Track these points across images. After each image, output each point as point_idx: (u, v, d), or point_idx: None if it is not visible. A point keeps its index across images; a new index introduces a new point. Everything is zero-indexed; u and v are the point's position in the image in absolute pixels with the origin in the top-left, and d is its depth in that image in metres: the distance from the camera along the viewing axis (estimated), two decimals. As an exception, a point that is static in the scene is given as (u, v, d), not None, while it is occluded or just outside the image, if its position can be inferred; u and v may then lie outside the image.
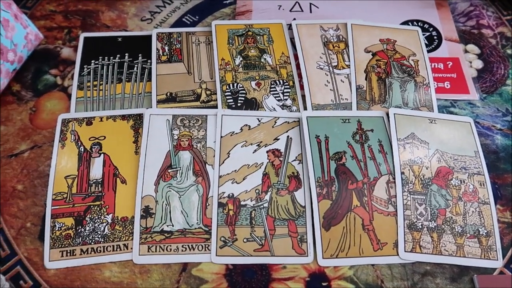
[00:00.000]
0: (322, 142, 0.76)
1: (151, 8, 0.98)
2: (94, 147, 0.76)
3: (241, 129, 0.78)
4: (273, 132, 0.78)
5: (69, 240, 0.69)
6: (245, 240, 0.69)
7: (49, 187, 0.72)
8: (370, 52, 0.88)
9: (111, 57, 0.87)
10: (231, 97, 0.82)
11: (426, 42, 0.92)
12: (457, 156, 0.76)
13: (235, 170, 0.74)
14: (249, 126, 0.78)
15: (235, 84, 0.83)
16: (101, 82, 0.84)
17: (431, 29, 0.95)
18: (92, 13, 0.96)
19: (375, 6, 0.98)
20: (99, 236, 0.69)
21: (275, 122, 0.79)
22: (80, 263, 0.67)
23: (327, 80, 0.84)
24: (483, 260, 0.69)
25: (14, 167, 0.76)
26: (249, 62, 0.86)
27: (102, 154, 0.75)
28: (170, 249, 0.68)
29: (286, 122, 0.79)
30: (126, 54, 0.88)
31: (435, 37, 0.94)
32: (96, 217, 0.70)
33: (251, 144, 0.77)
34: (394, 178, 0.73)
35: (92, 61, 0.87)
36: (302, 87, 0.83)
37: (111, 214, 0.71)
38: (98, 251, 0.68)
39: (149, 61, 0.87)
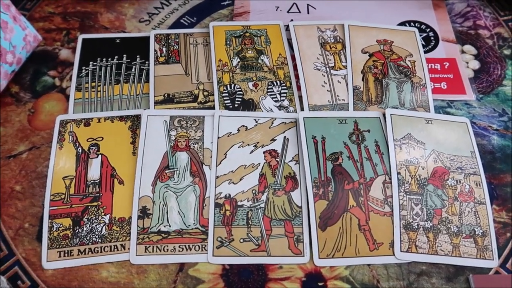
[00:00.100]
0: (319, 142, 0.76)
1: (149, 10, 0.98)
2: (92, 148, 0.76)
3: (238, 129, 0.78)
4: (270, 132, 0.79)
5: (67, 241, 0.69)
6: (241, 240, 0.69)
7: (47, 188, 0.73)
8: (367, 53, 0.88)
9: (109, 59, 0.88)
10: (228, 98, 0.82)
11: (423, 43, 0.92)
12: (453, 157, 0.77)
13: (232, 171, 0.74)
14: (246, 126, 0.79)
15: (233, 85, 0.84)
16: (99, 83, 0.85)
17: (428, 29, 0.95)
18: (90, 15, 0.97)
19: (372, 7, 0.98)
20: (97, 236, 0.69)
21: (272, 123, 0.80)
22: (77, 263, 0.68)
23: (324, 81, 0.85)
24: (479, 260, 0.69)
25: (13, 168, 0.76)
26: (246, 63, 0.87)
27: (100, 155, 0.76)
28: (167, 250, 0.69)
29: (283, 123, 0.80)
30: (124, 55, 0.88)
31: (432, 38, 0.94)
32: (94, 217, 0.71)
33: (248, 144, 0.77)
34: (390, 178, 0.74)
35: (91, 63, 0.87)
36: (299, 88, 0.84)
37: (109, 215, 0.71)
38: (96, 252, 0.68)
39: (147, 62, 0.87)
